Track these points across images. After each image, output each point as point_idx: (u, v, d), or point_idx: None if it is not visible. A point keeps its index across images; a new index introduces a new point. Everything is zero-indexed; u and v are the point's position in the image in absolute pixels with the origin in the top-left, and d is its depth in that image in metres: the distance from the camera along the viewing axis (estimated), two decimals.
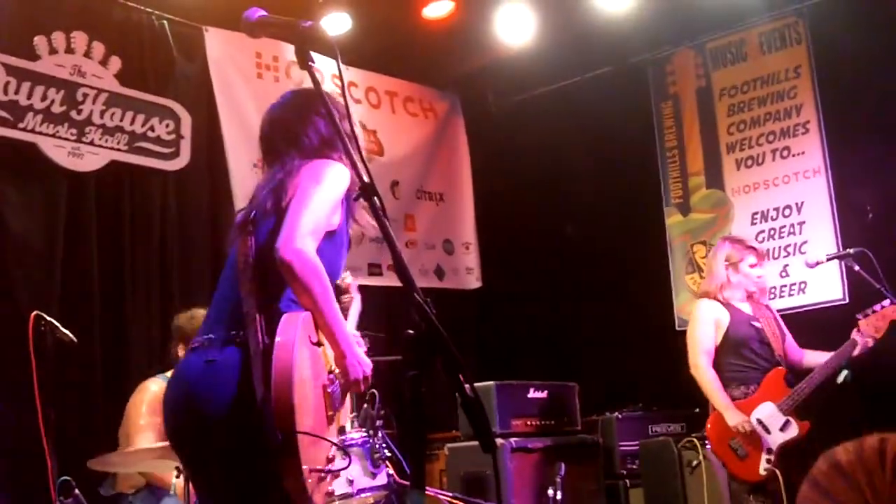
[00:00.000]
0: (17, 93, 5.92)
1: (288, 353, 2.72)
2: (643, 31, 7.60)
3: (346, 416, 3.52)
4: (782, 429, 5.41)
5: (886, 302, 5.44)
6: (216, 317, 3.02)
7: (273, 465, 2.71)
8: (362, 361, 3.00)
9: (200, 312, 4.93)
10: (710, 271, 5.92)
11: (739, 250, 5.75)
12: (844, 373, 5.42)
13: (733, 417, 5.43)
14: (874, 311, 5.45)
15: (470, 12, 7.51)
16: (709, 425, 5.58)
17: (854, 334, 5.40)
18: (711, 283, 5.81)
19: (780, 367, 5.55)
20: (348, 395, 3.34)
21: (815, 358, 5.58)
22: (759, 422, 5.41)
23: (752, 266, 5.71)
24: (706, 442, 5.69)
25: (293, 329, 2.77)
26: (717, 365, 5.63)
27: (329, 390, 2.98)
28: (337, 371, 3.01)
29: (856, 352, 5.37)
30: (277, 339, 2.75)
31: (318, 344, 2.93)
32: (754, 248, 5.77)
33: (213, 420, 2.80)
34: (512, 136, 8.61)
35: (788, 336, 5.78)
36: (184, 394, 2.91)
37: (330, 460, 2.94)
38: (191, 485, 4.29)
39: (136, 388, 5.41)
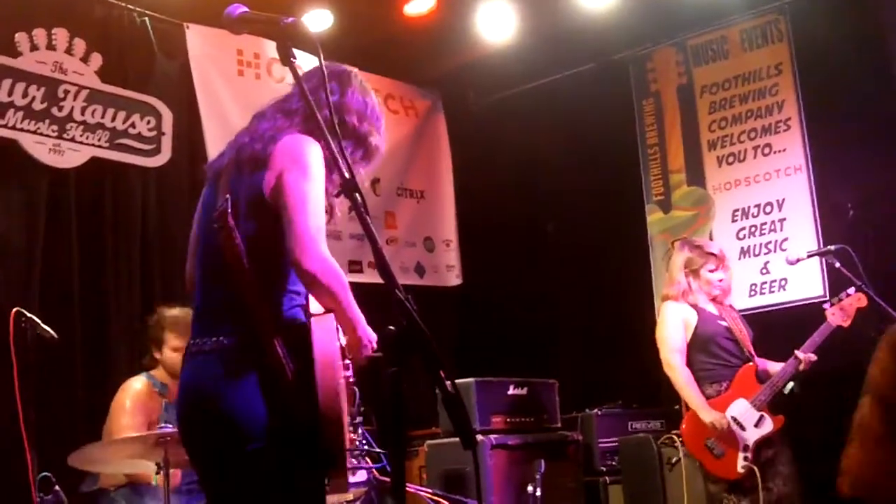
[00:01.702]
0: None
1: (332, 370, 2.71)
2: (624, 28, 7.61)
3: None
4: (757, 425, 5.44)
5: (852, 290, 5.50)
6: (218, 316, 2.90)
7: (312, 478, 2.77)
8: (372, 339, 2.98)
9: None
10: (671, 277, 5.94)
11: (698, 255, 5.78)
12: (791, 384, 5.50)
13: (709, 415, 5.45)
14: (840, 300, 5.52)
15: (451, 9, 7.50)
16: (683, 425, 5.60)
17: (797, 352, 5.46)
18: (673, 288, 5.83)
19: (750, 364, 5.58)
20: None
21: (772, 365, 5.64)
22: (734, 419, 5.43)
23: (711, 271, 5.73)
24: (682, 442, 5.73)
25: (331, 342, 2.77)
26: (688, 364, 5.66)
27: (351, 379, 2.99)
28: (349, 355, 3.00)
29: (801, 367, 5.45)
30: (317, 355, 2.72)
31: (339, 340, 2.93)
32: (713, 254, 5.77)
33: (240, 430, 2.74)
34: (493, 134, 8.61)
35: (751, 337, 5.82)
36: (202, 402, 2.82)
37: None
38: (171, 480, 4.31)
39: (120, 386, 5.40)
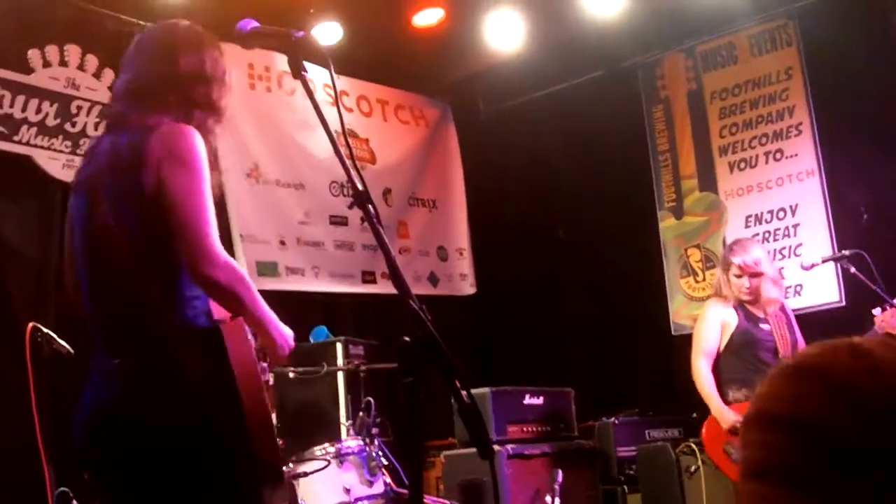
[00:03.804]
0: (11, 106, 5.93)
1: (252, 377, 2.58)
2: (633, 35, 7.60)
3: None
4: None
5: None
6: (116, 335, 2.76)
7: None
8: (289, 335, 2.88)
9: None
10: (717, 274, 6.00)
11: (726, 258, 5.80)
12: None
13: (726, 419, 5.45)
14: (892, 307, 5.46)
15: (460, 19, 7.51)
16: (704, 429, 5.60)
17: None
18: (716, 284, 5.89)
19: None
20: None
21: None
22: None
23: (735, 276, 5.73)
24: (700, 448, 5.71)
25: (246, 347, 2.63)
26: (722, 366, 5.68)
27: (270, 383, 2.89)
28: (264, 355, 2.89)
29: None
30: (234, 362, 2.58)
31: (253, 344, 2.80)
32: (731, 262, 5.76)
33: (149, 455, 2.59)
34: (503, 142, 8.62)
35: (801, 341, 5.79)
36: (108, 425, 2.66)
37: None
38: None
39: None
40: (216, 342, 2.65)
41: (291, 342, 2.88)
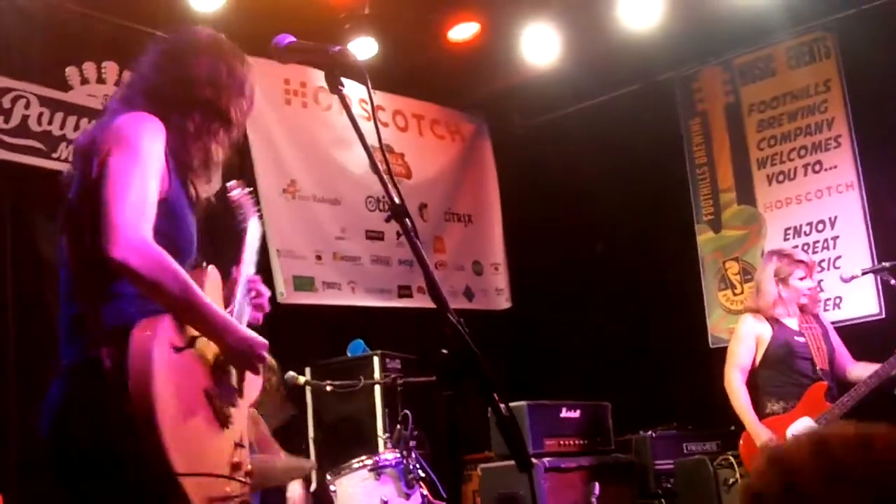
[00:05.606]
0: (50, 123, 6.01)
1: (145, 385, 2.32)
2: (669, 48, 7.57)
3: (245, 407, 2.81)
4: None
5: None
6: (64, 335, 2.61)
7: None
8: (253, 341, 2.62)
9: None
10: (759, 287, 5.92)
11: (787, 264, 5.75)
12: None
13: (760, 435, 5.41)
14: None
15: (495, 34, 7.52)
16: (742, 442, 5.56)
17: None
18: (761, 299, 5.81)
19: (821, 382, 5.52)
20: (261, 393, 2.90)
21: (861, 371, 5.55)
22: None
23: (800, 279, 5.70)
24: (738, 462, 5.67)
25: (146, 349, 2.36)
26: (759, 380, 5.65)
27: (215, 394, 2.63)
28: (224, 364, 2.68)
29: None
30: (131, 366, 2.34)
31: (185, 347, 2.54)
32: (803, 262, 5.75)
33: (79, 457, 2.48)
34: (539, 157, 8.61)
35: (839, 348, 5.75)
36: (47, 428, 2.54)
37: (235, 467, 2.61)
38: None
39: None
40: (125, 344, 2.39)
41: (261, 349, 2.65)
